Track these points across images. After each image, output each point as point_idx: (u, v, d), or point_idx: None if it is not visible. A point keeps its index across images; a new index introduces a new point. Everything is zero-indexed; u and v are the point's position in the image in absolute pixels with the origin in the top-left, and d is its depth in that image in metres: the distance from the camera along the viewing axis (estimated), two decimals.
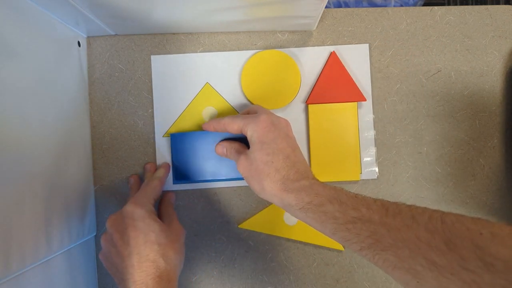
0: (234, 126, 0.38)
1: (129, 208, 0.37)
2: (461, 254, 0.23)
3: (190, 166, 0.45)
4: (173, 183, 0.45)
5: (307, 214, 0.32)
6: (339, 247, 0.46)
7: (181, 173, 0.45)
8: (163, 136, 0.46)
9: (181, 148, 0.45)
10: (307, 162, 0.37)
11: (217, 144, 0.42)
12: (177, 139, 0.45)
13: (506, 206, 0.47)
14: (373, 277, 0.46)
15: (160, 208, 0.43)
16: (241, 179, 0.45)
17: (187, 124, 0.46)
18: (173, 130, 0.46)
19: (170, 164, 0.46)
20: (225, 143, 0.41)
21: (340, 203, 0.30)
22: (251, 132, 0.36)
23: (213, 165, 0.45)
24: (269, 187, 0.34)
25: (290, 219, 0.46)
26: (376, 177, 0.46)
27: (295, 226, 0.46)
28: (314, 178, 0.35)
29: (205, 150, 0.45)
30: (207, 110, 0.46)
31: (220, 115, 0.46)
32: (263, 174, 0.34)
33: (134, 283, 0.33)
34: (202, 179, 0.45)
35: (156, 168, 0.45)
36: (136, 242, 0.35)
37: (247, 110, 0.41)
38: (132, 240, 0.35)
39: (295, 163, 0.35)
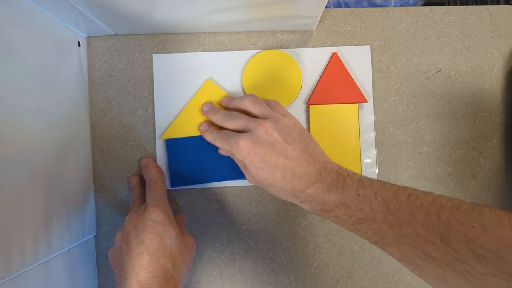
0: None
1: (153, 210, 0.37)
2: (454, 247, 0.25)
3: (186, 171, 0.45)
4: (171, 187, 0.45)
5: (323, 217, 0.35)
6: None
7: (178, 178, 0.45)
8: (160, 139, 0.45)
9: (177, 153, 0.45)
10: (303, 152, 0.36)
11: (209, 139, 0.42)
12: (172, 145, 0.45)
13: (506, 206, 0.47)
14: (373, 277, 0.46)
15: None
16: (238, 179, 0.45)
17: (187, 123, 0.45)
18: (172, 130, 0.45)
19: (166, 168, 0.45)
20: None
21: (345, 207, 0.32)
22: (238, 156, 0.36)
23: (209, 168, 0.45)
24: (283, 198, 0.36)
25: None
26: (376, 179, 0.46)
27: None
28: (315, 180, 0.34)
29: (200, 155, 0.45)
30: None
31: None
32: (272, 190, 0.36)
33: (138, 282, 0.33)
34: (199, 183, 0.45)
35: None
36: (151, 243, 0.35)
37: (244, 109, 0.39)
38: (148, 241, 0.35)
39: (294, 170, 0.34)
